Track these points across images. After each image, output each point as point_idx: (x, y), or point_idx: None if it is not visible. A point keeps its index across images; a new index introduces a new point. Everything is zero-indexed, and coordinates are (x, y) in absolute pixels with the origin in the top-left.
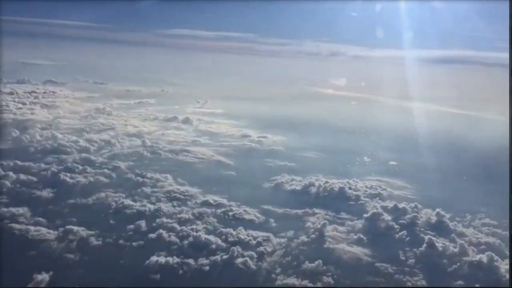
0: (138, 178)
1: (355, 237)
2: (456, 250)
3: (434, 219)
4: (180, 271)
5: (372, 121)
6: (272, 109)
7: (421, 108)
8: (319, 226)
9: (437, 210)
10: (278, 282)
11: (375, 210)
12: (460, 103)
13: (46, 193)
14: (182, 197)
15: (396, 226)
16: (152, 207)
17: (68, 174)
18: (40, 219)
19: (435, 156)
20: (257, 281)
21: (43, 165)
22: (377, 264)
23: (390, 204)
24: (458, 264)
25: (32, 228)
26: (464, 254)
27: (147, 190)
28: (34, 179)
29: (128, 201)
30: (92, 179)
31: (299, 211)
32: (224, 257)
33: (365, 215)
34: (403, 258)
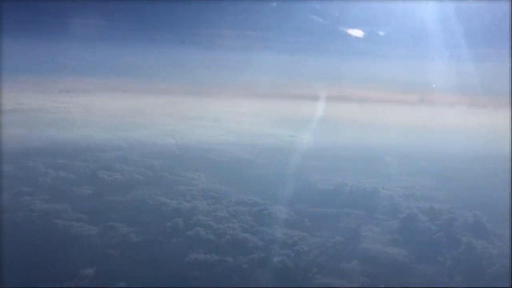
0: (173, 176)
1: (391, 237)
2: (495, 251)
3: (471, 220)
4: (219, 269)
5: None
6: (302, 108)
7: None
8: (354, 225)
9: (475, 211)
10: (316, 282)
11: (410, 211)
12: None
13: (86, 190)
14: (216, 195)
15: (432, 227)
16: (188, 205)
17: (105, 172)
18: (81, 215)
19: (470, 157)
20: (295, 280)
21: (80, 163)
22: (414, 265)
23: (425, 204)
24: (497, 265)
25: (74, 224)
26: (503, 256)
27: (182, 188)
28: (73, 176)
29: (164, 199)
30: (128, 176)
31: (333, 211)
32: (262, 255)
33: (400, 216)
34: (441, 259)
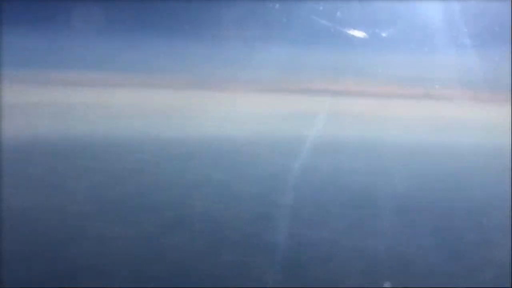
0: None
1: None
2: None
3: (476, 217)
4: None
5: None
6: (307, 103)
7: None
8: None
9: (478, 208)
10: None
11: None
12: None
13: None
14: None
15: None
16: (215, 206)
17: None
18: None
19: (478, 152)
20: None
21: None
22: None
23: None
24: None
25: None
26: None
27: (204, 186)
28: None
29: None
30: (142, 171)
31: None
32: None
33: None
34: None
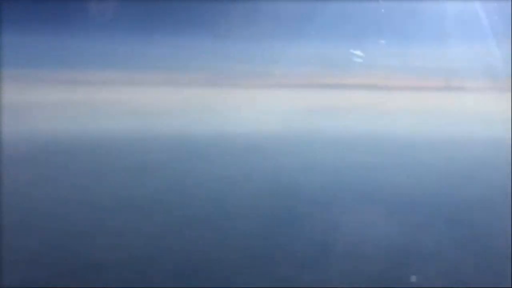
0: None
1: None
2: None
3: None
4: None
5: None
6: (328, 97)
7: None
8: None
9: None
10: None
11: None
12: None
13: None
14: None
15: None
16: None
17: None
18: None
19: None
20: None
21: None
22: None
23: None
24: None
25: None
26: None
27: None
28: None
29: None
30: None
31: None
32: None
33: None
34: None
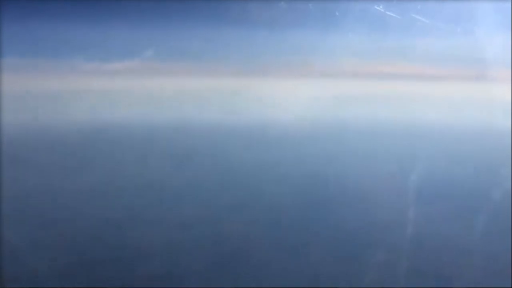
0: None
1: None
2: None
3: None
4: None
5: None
6: (357, 86)
7: None
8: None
9: None
10: None
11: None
12: None
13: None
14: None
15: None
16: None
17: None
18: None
19: None
20: None
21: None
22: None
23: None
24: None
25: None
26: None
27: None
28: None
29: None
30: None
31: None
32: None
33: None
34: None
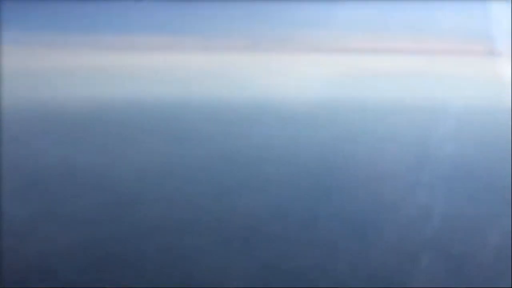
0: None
1: None
2: None
3: None
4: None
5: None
6: (364, 62)
7: None
8: None
9: None
10: None
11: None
12: None
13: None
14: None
15: None
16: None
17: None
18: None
19: None
20: None
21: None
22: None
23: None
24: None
25: None
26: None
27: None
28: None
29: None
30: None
31: None
32: None
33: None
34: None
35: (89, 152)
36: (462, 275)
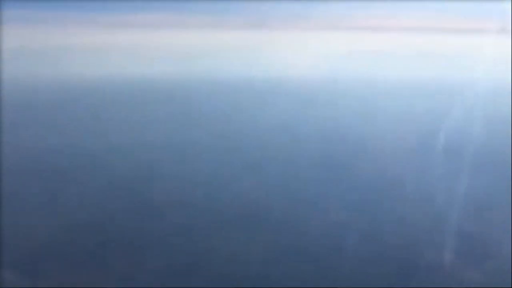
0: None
1: None
2: None
3: None
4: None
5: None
6: (371, 40)
7: None
8: None
9: None
10: None
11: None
12: None
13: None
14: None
15: None
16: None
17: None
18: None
19: None
20: None
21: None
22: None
23: None
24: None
25: None
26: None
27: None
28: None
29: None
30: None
31: None
32: None
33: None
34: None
35: (89, 130)
36: None
